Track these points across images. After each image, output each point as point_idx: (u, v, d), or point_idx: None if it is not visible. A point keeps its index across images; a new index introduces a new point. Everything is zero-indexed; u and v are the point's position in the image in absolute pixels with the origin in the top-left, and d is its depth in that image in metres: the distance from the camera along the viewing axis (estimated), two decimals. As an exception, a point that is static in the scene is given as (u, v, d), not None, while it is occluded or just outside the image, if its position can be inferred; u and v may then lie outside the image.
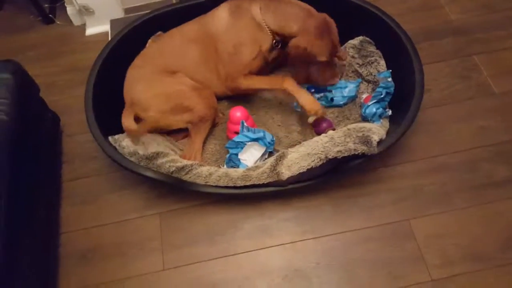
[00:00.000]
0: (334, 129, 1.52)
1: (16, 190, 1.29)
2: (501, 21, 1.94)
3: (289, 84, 1.48)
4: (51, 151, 1.65)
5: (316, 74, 1.57)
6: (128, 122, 1.44)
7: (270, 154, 1.54)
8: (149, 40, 1.68)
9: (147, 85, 1.50)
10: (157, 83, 1.50)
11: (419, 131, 1.63)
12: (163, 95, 1.48)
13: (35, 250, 1.35)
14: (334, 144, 1.34)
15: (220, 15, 1.54)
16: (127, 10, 2.10)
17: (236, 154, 1.51)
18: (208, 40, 1.54)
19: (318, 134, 1.53)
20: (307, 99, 1.48)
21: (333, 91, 1.63)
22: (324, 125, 1.55)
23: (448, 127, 1.65)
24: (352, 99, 1.65)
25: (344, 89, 1.63)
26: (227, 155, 1.54)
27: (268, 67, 1.63)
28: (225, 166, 1.55)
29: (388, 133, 1.45)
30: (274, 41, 1.52)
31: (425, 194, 1.51)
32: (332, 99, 1.63)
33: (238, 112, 1.55)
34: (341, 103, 1.64)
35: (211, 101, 1.54)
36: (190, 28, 1.58)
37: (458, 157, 1.58)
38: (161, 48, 1.59)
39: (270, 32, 1.50)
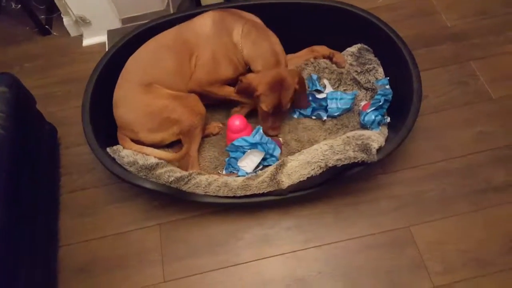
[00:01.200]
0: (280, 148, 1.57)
1: (14, 203, 1.29)
2: (497, 27, 1.96)
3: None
4: (48, 163, 1.65)
5: (260, 117, 1.59)
6: (128, 145, 1.50)
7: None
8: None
9: (129, 107, 1.51)
10: (138, 103, 1.50)
11: (418, 138, 1.64)
12: (147, 114, 1.49)
13: (34, 264, 1.35)
14: (334, 152, 1.35)
15: (204, 23, 1.55)
16: (124, 21, 2.11)
17: (236, 158, 1.52)
18: (184, 47, 1.54)
19: None
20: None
21: (329, 102, 1.64)
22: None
23: (447, 133, 1.67)
24: (347, 111, 1.66)
25: (340, 100, 1.64)
26: (226, 159, 1.55)
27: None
28: (224, 171, 1.55)
29: (387, 140, 1.45)
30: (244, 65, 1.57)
31: (425, 201, 1.52)
32: (326, 109, 1.64)
33: (237, 121, 1.56)
34: (336, 114, 1.65)
35: (196, 108, 1.52)
36: (166, 35, 1.59)
37: (457, 163, 1.59)
38: (137, 60, 1.58)
39: (243, 58, 1.54)
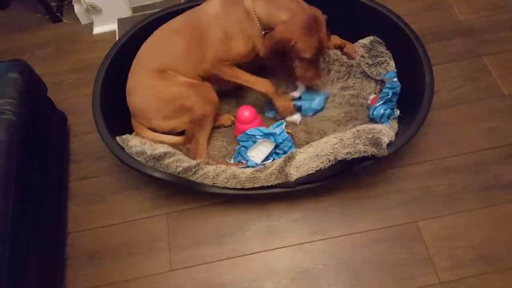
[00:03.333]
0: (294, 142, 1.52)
1: (24, 190, 1.28)
2: (510, 22, 1.91)
3: (269, 90, 1.51)
4: (58, 150, 1.64)
5: (300, 71, 1.47)
6: (144, 132, 1.48)
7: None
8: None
9: (143, 94, 1.48)
10: (152, 90, 1.47)
11: (428, 132, 1.60)
12: (161, 100, 1.46)
13: (43, 250, 1.34)
14: (344, 145, 1.32)
15: (212, 4, 1.47)
16: (134, 9, 2.08)
17: (246, 147, 1.50)
18: (194, 30, 1.48)
19: None
20: (283, 104, 1.56)
21: (302, 102, 1.60)
22: None
23: (457, 128, 1.63)
24: (320, 111, 1.62)
25: (312, 101, 1.60)
26: (237, 148, 1.53)
27: (255, 63, 1.53)
28: (232, 161, 1.54)
29: (397, 134, 1.42)
30: (263, 32, 1.42)
31: (433, 196, 1.49)
32: (301, 109, 1.60)
33: (246, 112, 1.54)
34: (310, 114, 1.61)
35: (210, 96, 1.48)
36: (176, 20, 1.54)
37: (467, 159, 1.56)
38: (149, 46, 1.55)
39: (259, 23, 1.41)
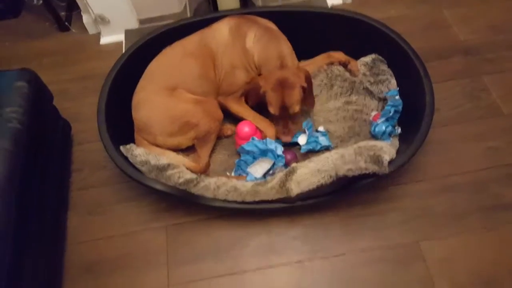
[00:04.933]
0: (297, 162, 1.43)
1: (26, 198, 1.23)
2: (510, 42, 1.86)
3: (271, 136, 1.49)
4: (61, 159, 1.58)
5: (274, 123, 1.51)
6: (147, 148, 1.43)
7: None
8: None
9: (150, 110, 1.44)
10: (160, 106, 1.43)
11: (428, 150, 1.55)
12: (168, 117, 1.42)
13: (40, 260, 1.28)
14: (345, 161, 1.27)
15: (221, 31, 1.50)
16: (142, 21, 2.04)
17: (245, 162, 1.46)
18: (207, 53, 1.49)
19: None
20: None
21: (308, 146, 1.51)
22: (288, 157, 1.48)
23: (457, 147, 1.58)
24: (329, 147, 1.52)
25: (317, 140, 1.51)
26: (236, 161, 1.48)
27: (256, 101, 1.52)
28: (233, 173, 1.49)
29: (398, 151, 1.37)
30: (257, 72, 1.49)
31: (434, 215, 1.43)
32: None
33: (246, 127, 1.49)
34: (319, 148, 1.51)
35: (216, 114, 1.47)
36: (189, 41, 1.53)
37: (467, 178, 1.50)
38: (162, 63, 1.52)
39: (254, 64, 1.48)
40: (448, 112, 1.66)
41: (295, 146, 1.54)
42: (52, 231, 1.38)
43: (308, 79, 1.44)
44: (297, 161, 1.45)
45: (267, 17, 1.56)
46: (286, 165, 1.44)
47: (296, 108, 1.41)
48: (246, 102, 1.53)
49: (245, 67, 1.48)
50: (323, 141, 1.50)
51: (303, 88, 1.40)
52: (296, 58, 1.50)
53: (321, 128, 1.56)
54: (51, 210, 1.40)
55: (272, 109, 1.41)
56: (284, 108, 1.40)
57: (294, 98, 1.39)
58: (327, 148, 1.51)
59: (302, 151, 1.49)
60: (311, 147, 1.49)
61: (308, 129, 1.52)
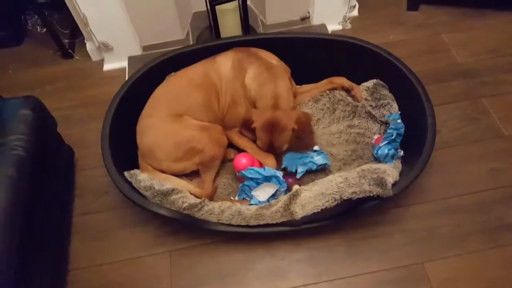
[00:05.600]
0: (300, 185, 1.49)
1: (30, 224, 1.27)
2: (507, 65, 1.96)
3: (271, 165, 1.53)
4: (64, 184, 1.63)
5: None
6: (152, 174, 1.46)
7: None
8: (164, 80, 1.68)
9: (156, 136, 1.50)
10: (166, 132, 1.49)
11: (431, 172, 1.61)
12: (174, 143, 1.48)
13: (45, 286, 1.31)
14: (349, 184, 1.32)
15: (224, 66, 1.57)
16: (145, 48, 2.14)
17: (249, 186, 1.50)
18: (211, 86, 1.56)
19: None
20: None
21: (304, 166, 1.56)
22: (290, 180, 1.54)
23: (459, 168, 1.64)
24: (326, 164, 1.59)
25: (313, 160, 1.57)
26: (240, 185, 1.53)
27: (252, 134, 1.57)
28: (236, 198, 1.53)
29: (401, 174, 1.42)
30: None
31: (438, 236, 1.47)
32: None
33: (243, 159, 1.54)
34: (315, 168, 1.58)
35: (220, 140, 1.53)
36: (195, 72, 1.60)
37: (470, 199, 1.55)
38: (167, 91, 1.59)
39: (250, 98, 1.54)
40: (449, 134, 1.74)
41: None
42: (55, 256, 1.41)
43: (304, 122, 1.48)
44: (299, 184, 1.51)
45: (269, 43, 1.66)
46: (288, 188, 1.50)
47: (284, 147, 1.49)
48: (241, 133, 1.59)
49: (245, 102, 1.54)
50: (319, 160, 1.55)
51: (293, 129, 1.44)
52: (292, 99, 1.54)
53: (316, 147, 1.61)
54: (55, 235, 1.44)
55: (260, 144, 1.49)
56: (271, 146, 1.48)
57: (283, 140, 1.46)
58: (324, 167, 1.57)
59: (298, 175, 1.53)
60: (307, 168, 1.55)
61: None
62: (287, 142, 1.48)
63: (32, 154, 1.31)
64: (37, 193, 1.35)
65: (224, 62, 1.57)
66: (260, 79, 1.50)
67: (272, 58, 1.60)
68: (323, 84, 1.76)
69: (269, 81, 1.49)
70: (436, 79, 1.92)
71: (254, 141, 1.54)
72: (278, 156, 1.55)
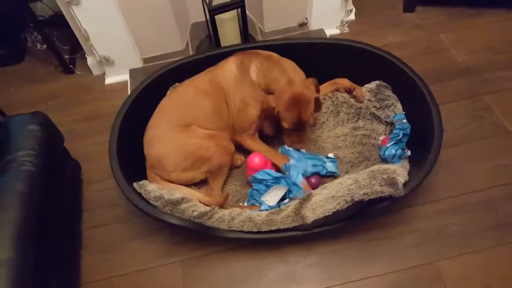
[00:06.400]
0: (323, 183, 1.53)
1: (41, 240, 1.29)
2: (506, 62, 2.02)
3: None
4: (72, 199, 1.66)
5: (284, 135, 1.61)
6: (161, 184, 1.49)
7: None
8: (168, 91, 1.74)
9: (164, 146, 1.53)
10: (173, 142, 1.52)
11: (438, 171, 1.64)
12: (182, 153, 1.51)
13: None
14: (360, 186, 1.34)
15: (230, 69, 1.61)
16: (145, 60, 2.19)
17: (258, 190, 1.52)
18: (219, 92, 1.60)
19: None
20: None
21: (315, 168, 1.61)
22: (313, 180, 1.57)
23: (465, 166, 1.68)
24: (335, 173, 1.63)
25: (325, 165, 1.61)
26: (249, 191, 1.56)
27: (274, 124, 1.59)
28: (246, 203, 1.56)
29: (409, 174, 1.45)
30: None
31: (448, 235, 1.50)
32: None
33: (256, 159, 1.58)
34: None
35: (228, 147, 1.56)
36: (201, 81, 1.64)
37: (477, 197, 1.59)
38: (174, 102, 1.63)
39: (264, 91, 1.57)
40: (454, 132, 1.78)
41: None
42: (66, 271, 1.43)
43: (317, 87, 1.53)
44: (323, 182, 1.54)
45: (269, 50, 1.67)
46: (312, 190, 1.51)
47: (311, 120, 1.52)
48: (261, 132, 1.62)
49: (256, 102, 1.56)
50: (330, 167, 1.60)
51: (316, 99, 1.49)
52: (302, 72, 1.57)
53: (331, 155, 1.66)
54: (65, 249, 1.46)
55: (287, 124, 1.50)
56: (299, 122, 1.50)
57: (309, 112, 1.48)
58: (332, 174, 1.61)
59: (305, 175, 1.56)
60: (317, 170, 1.59)
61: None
62: (312, 114, 1.51)
63: (42, 169, 1.34)
64: (47, 208, 1.37)
65: (228, 67, 1.61)
66: (264, 69, 1.55)
67: (271, 53, 1.64)
68: (327, 85, 1.80)
69: (273, 66, 1.53)
70: (437, 78, 1.97)
71: (272, 136, 1.58)
72: (303, 135, 1.57)
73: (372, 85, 1.75)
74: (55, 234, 1.42)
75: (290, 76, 1.49)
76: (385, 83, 1.73)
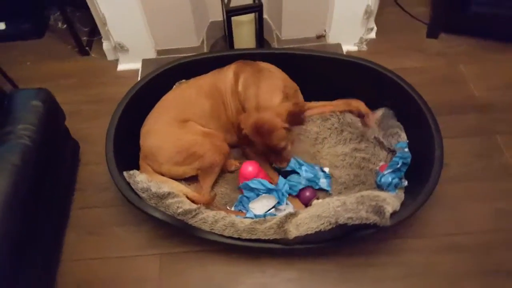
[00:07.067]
0: (317, 198, 1.54)
1: (29, 212, 1.34)
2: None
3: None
4: (66, 177, 1.71)
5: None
6: (151, 175, 1.53)
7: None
8: (174, 86, 1.78)
9: (160, 139, 1.57)
10: (169, 136, 1.56)
11: (434, 205, 1.62)
12: (176, 147, 1.54)
13: (36, 273, 1.38)
14: (346, 209, 1.34)
15: (228, 77, 1.63)
16: (159, 52, 2.24)
17: (248, 198, 1.54)
18: (218, 96, 1.63)
19: (303, 203, 1.57)
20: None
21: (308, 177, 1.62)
22: (307, 193, 1.57)
23: (465, 205, 1.64)
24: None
25: (318, 180, 1.62)
26: (239, 196, 1.58)
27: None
28: (233, 208, 1.58)
29: (402, 204, 1.43)
30: None
31: (435, 274, 1.48)
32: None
33: (250, 167, 1.60)
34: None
35: (222, 147, 1.59)
36: (205, 83, 1.67)
37: (472, 239, 1.55)
38: (177, 97, 1.67)
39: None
40: (458, 168, 1.74)
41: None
42: (49, 246, 1.48)
43: (292, 112, 1.46)
44: (317, 198, 1.55)
45: (278, 58, 1.71)
46: (305, 202, 1.55)
47: (281, 145, 1.48)
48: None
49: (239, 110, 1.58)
50: (323, 183, 1.61)
51: (286, 128, 1.45)
52: (279, 93, 1.51)
53: (326, 169, 1.66)
54: (51, 225, 1.51)
55: (257, 149, 1.53)
56: (269, 146, 1.48)
57: (277, 139, 1.46)
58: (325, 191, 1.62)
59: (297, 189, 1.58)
60: (309, 185, 1.59)
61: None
62: (283, 139, 1.47)
63: (38, 144, 1.39)
64: (39, 182, 1.42)
65: (228, 74, 1.63)
66: (246, 83, 1.56)
67: (268, 66, 1.64)
68: (339, 104, 1.79)
69: (254, 82, 1.54)
70: (450, 110, 1.94)
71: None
72: (281, 155, 1.53)
73: (378, 112, 1.74)
74: (44, 209, 1.48)
75: (261, 99, 1.49)
76: (391, 111, 1.72)
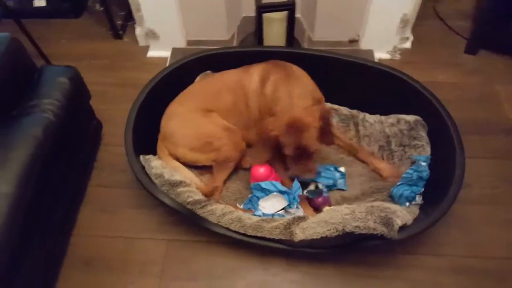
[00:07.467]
0: (330, 205, 1.53)
1: (45, 184, 1.39)
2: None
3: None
4: (87, 155, 1.78)
5: (289, 164, 1.53)
6: (166, 158, 1.59)
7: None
8: (198, 77, 1.82)
9: (181, 122, 1.62)
10: (191, 122, 1.61)
11: (451, 225, 1.59)
12: (195, 133, 1.59)
13: (47, 243, 1.45)
14: (354, 218, 1.33)
15: (254, 77, 1.62)
16: (189, 42, 2.28)
17: (258, 198, 1.55)
18: (241, 93, 1.64)
19: (315, 208, 1.56)
20: None
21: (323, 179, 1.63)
22: (320, 199, 1.56)
23: (483, 229, 1.60)
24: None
25: (335, 179, 1.64)
26: (250, 195, 1.59)
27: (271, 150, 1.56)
28: (242, 206, 1.60)
29: (415, 220, 1.41)
30: None
31: (443, 295, 1.45)
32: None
33: (261, 169, 1.61)
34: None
35: (239, 144, 1.62)
36: (230, 78, 1.68)
37: (486, 264, 1.52)
38: (203, 89, 1.71)
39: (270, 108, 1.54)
40: (480, 190, 1.70)
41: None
42: (62, 219, 1.55)
43: (324, 116, 1.46)
44: (329, 205, 1.54)
45: (306, 59, 1.71)
46: (317, 207, 1.55)
47: (314, 147, 1.43)
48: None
49: (270, 111, 1.52)
50: (340, 184, 1.63)
51: (320, 128, 1.42)
52: (310, 98, 1.50)
53: (342, 169, 1.66)
54: (67, 199, 1.58)
55: (287, 151, 1.44)
56: (300, 148, 1.43)
57: (311, 139, 1.42)
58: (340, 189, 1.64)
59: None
60: (325, 183, 1.61)
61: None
62: (315, 140, 1.43)
63: (61, 119, 1.45)
64: (59, 157, 1.49)
65: (254, 74, 1.63)
66: (275, 85, 1.53)
67: (296, 68, 1.60)
68: (367, 156, 1.71)
69: (283, 86, 1.51)
70: (478, 130, 1.89)
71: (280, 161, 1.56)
72: (310, 164, 1.48)
73: (411, 118, 1.70)
74: (63, 182, 1.55)
75: (294, 100, 1.47)
76: (423, 122, 1.68)
